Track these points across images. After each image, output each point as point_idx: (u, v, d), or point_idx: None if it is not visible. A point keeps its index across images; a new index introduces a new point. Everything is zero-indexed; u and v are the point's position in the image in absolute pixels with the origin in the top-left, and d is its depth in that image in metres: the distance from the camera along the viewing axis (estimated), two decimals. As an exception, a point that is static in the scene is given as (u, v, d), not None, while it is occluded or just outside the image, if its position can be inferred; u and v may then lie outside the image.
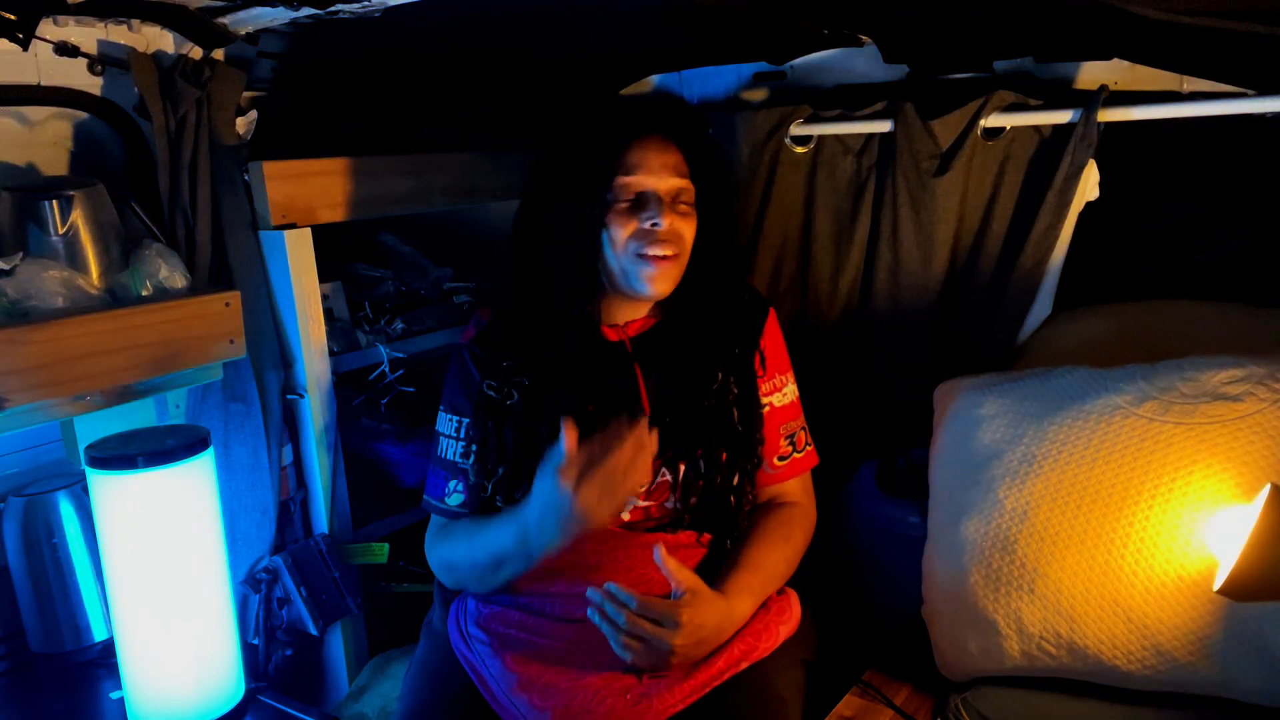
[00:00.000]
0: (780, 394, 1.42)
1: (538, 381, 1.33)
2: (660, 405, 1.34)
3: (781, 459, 1.41)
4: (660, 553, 1.18)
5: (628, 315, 1.38)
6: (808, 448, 1.46)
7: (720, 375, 1.34)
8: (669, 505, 1.33)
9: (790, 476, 1.43)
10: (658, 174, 1.30)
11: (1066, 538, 1.16)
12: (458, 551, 1.35)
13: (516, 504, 1.31)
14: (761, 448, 1.39)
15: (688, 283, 1.36)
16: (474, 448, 1.37)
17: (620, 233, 1.29)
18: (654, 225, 1.28)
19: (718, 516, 1.34)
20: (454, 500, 1.39)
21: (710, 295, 1.38)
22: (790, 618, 1.32)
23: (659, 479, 1.32)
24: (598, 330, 1.37)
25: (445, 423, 1.41)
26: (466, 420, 1.38)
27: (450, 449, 1.39)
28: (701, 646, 1.20)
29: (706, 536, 1.34)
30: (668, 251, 1.29)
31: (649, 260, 1.29)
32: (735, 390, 1.35)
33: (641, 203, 1.30)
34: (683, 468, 1.33)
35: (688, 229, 1.32)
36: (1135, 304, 1.51)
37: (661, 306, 1.39)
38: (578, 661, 1.21)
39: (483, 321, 1.42)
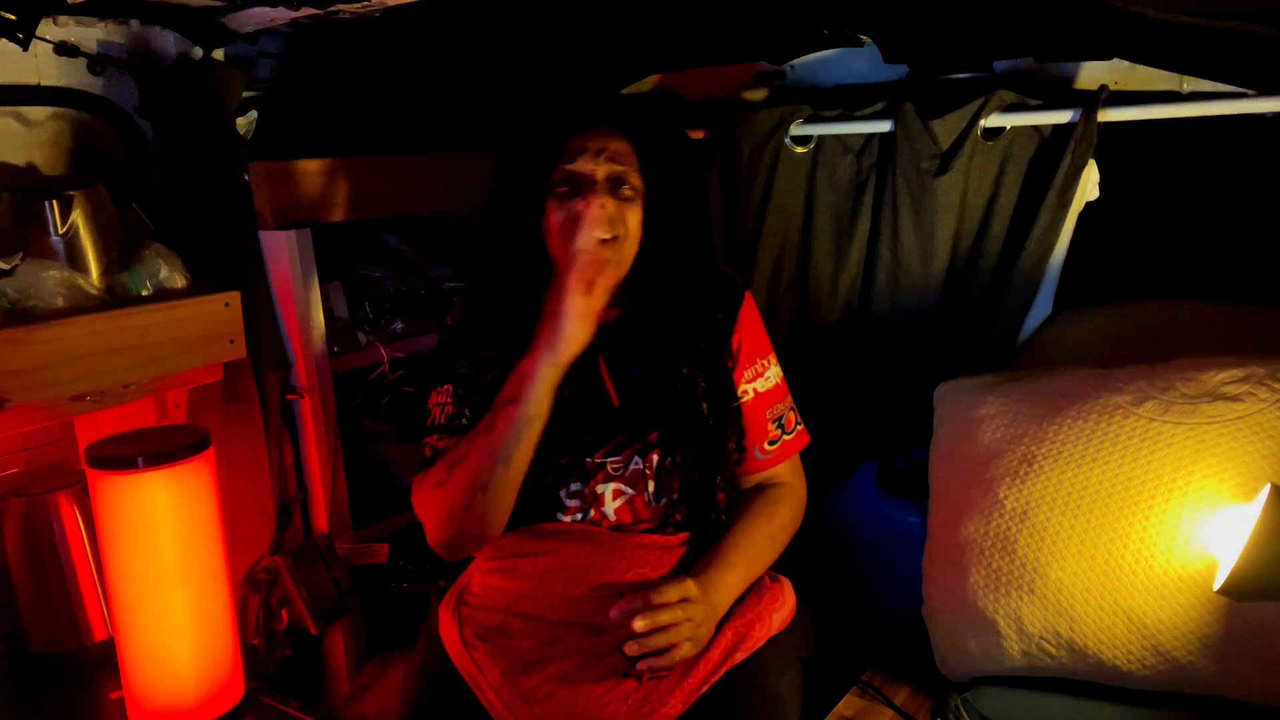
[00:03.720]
0: (763, 379, 1.41)
1: (508, 364, 1.33)
2: (627, 394, 1.34)
3: (772, 443, 1.41)
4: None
5: None
6: (798, 428, 1.44)
7: (686, 371, 1.33)
8: (650, 502, 1.33)
9: (782, 460, 1.42)
10: (595, 159, 1.30)
11: (1066, 538, 1.16)
12: (457, 455, 1.29)
13: None
14: (737, 440, 1.38)
15: (648, 273, 1.36)
16: (467, 410, 1.35)
17: (556, 217, 1.30)
18: (585, 206, 1.27)
19: (698, 512, 1.34)
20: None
21: (672, 286, 1.37)
22: (784, 605, 1.32)
23: (632, 466, 1.32)
24: None
25: (436, 395, 1.39)
26: (456, 389, 1.37)
27: (444, 413, 1.37)
28: (712, 613, 1.22)
29: (697, 535, 1.34)
30: (601, 234, 1.28)
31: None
32: (703, 384, 1.35)
33: (577, 187, 1.30)
34: (654, 458, 1.33)
35: (629, 213, 1.30)
36: (1135, 304, 1.51)
37: (626, 296, 1.38)
38: (577, 668, 1.20)
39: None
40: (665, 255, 1.36)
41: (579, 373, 1.34)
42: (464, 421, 1.35)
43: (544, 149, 1.32)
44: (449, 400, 1.38)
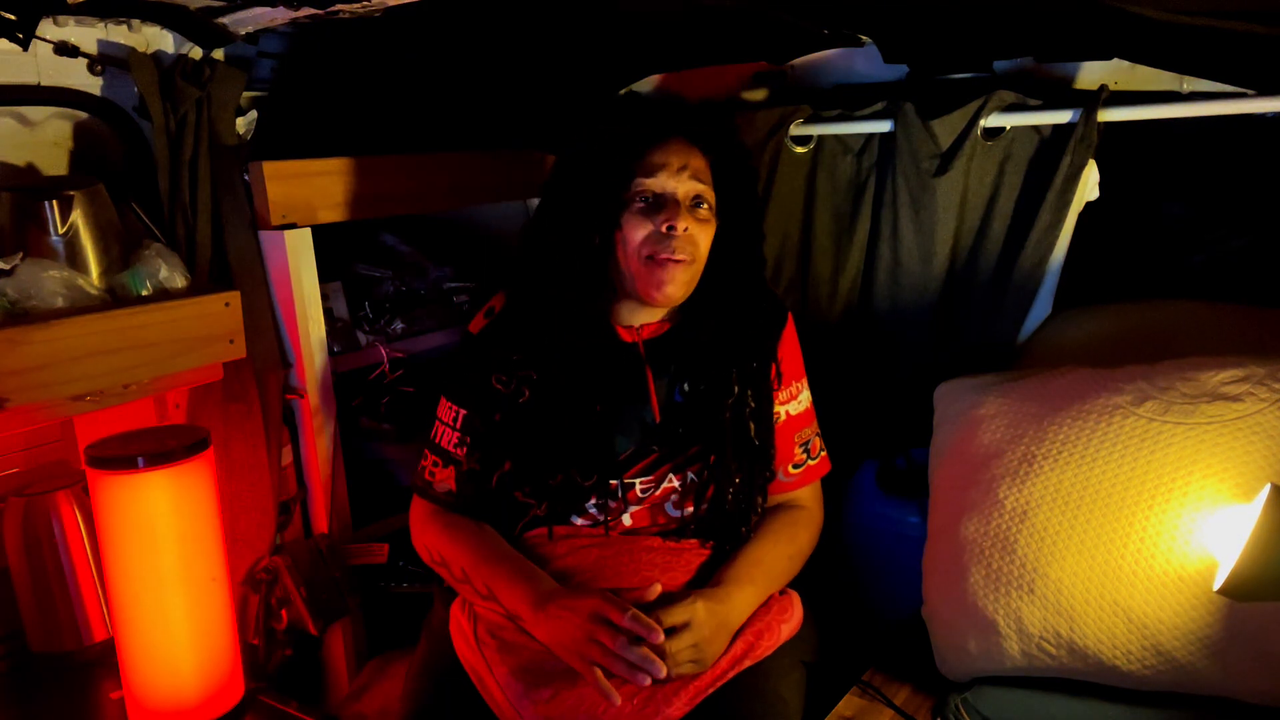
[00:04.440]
0: (796, 401, 1.41)
1: (546, 377, 1.32)
2: (669, 410, 1.34)
3: (796, 467, 1.41)
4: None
5: (642, 318, 1.37)
6: (822, 454, 1.45)
7: (738, 388, 1.33)
8: (673, 512, 1.33)
9: (804, 484, 1.42)
10: (677, 177, 1.27)
11: (1066, 538, 1.16)
12: (452, 553, 1.34)
13: (519, 502, 1.32)
14: (774, 460, 1.38)
15: (705, 289, 1.34)
16: (468, 439, 1.37)
17: (635, 234, 1.27)
18: (669, 229, 1.25)
19: (723, 527, 1.33)
20: (443, 488, 1.40)
21: (728, 303, 1.35)
22: (792, 616, 1.32)
23: (664, 485, 1.32)
24: (610, 330, 1.35)
25: (445, 409, 1.40)
26: (465, 412, 1.38)
27: (445, 436, 1.39)
28: (721, 632, 1.20)
29: (711, 542, 1.34)
30: (681, 257, 1.27)
31: (660, 265, 1.27)
32: (752, 404, 1.34)
33: (658, 205, 1.27)
34: (690, 476, 1.32)
35: (704, 235, 1.30)
36: (1135, 304, 1.51)
37: (678, 310, 1.38)
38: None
39: (494, 311, 1.40)
40: (726, 274, 1.35)
41: (622, 386, 1.33)
42: (461, 454, 1.37)
43: (622, 161, 1.28)
44: (452, 426, 1.39)
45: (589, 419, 1.30)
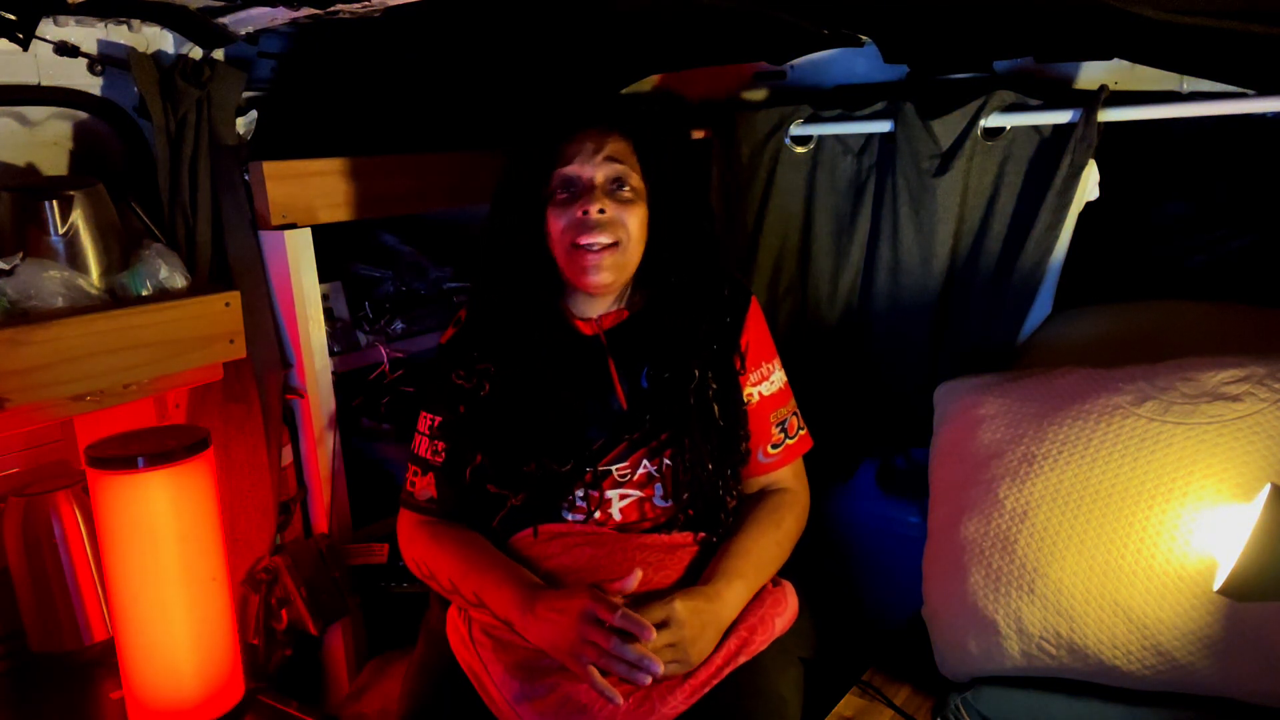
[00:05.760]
0: (768, 382, 1.41)
1: (503, 370, 1.33)
2: (636, 397, 1.34)
3: (775, 447, 1.41)
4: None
5: (598, 309, 1.38)
6: (800, 432, 1.44)
7: (698, 373, 1.33)
8: (659, 503, 1.33)
9: (785, 464, 1.42)
10: (592, 162, 1.28)
11: (1066, 538, 1.16)
12: (439, 563, 1.34)
13: (493, 495, 1.32)
14: (747, 442, 1.38)
15: (657, 274, 1.35)
16: (445, 446, 1.38)
17: (556, 224, 1.29)
18: (584, 214, 1.27)
19: (708, 513, 1.34)
20: (424, 495, 1.40)
21: (681, 287, 1.36)
22: (785, 609, 1.32)
23: (640, 470, 1.32)
24: (568, 324, 1.37)
25: (423, 420, 1.42)
26: (439, 418, 1.39)
27: (423, 445, 1.40)
28: (708, 630, 1.20)
29: (701, 535, 1.34)
30: (603, 239, 1.27)
31: (582, 251, 1.28)
32: (714, 386, 1.34)
33: (576, 193, 1.29)
34: (665, 461, 1.33)
35: (630, 216, 1.30)
36: (1135, 304, 1.51)
37: (636, 298, 1.39)
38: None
39: (461, 320, 1.43)
40: (672, 256, 1.35)
41: (587, 378, 1.34)
42: (439, 460, 1.37)
43: (540, 153, 1.31)
44: (428, 433, 1.40)
45: (552, 407, 1.31)
